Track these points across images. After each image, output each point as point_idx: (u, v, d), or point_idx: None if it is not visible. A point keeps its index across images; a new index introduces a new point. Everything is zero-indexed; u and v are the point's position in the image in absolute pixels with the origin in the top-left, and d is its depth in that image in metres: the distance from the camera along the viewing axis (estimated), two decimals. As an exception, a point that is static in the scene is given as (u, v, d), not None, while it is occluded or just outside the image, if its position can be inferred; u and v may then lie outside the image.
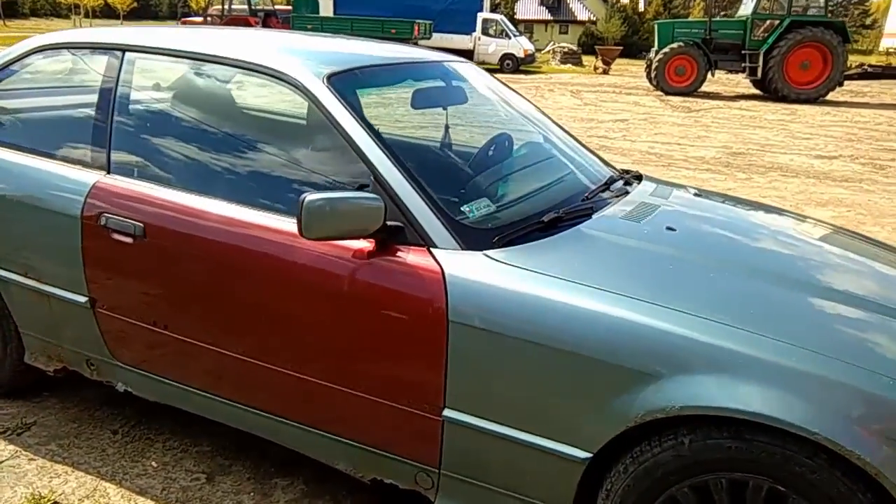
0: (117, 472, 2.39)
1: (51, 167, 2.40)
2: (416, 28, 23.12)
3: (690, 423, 1.60)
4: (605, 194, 2.34)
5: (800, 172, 8.16)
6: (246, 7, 24.33)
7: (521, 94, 2.98)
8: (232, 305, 2.09)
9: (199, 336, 2.17)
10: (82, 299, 2.35)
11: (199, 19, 26.16)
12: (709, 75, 17.86)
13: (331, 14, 26.69)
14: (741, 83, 21.06)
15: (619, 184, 2.48)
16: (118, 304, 2.31)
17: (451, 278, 1.79)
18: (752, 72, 17.25)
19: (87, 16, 61.25)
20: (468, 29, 26.48)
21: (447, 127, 2.74)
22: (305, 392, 2.05)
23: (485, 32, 26.18)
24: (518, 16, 53.63)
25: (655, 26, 18.60)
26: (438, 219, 1.88)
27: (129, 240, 2.20)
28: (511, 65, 25.66)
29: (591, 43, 48.47)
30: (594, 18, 55.30)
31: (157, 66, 2.41)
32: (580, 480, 1.73)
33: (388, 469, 2.03)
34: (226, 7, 24.45)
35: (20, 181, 2.42)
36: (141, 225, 2.18)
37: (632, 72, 27.92)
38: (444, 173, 2.21)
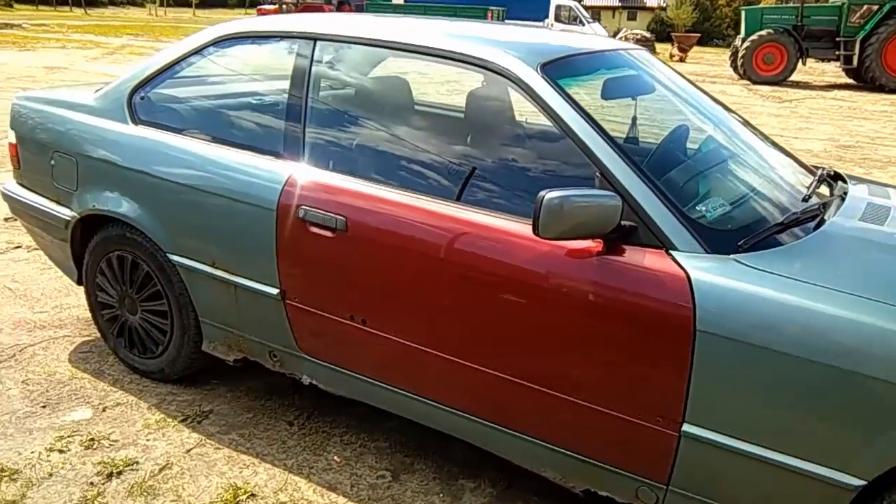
0: (303, 466, 2.37)
1: (242, 157, 2.38)
2: (490, 15, 22.91)
3: None
4: (823, 194, 2.19)
5: (922, 168, 7.73)
6: (320, -6, 24.56)
7: (698, 86, 2.84)
8: (440, 303, 2.03)
9: (402, 333, 2.12)
10: (273, 291, 2.34)
11: (274, 7, 26.50)
12: (799, 64, 17.14)
13: (401, 2, 26.71)
14: (827, 72, 20.19)
15: (828, 183, 2.33)
16: (312, 297, 2.28)
17: (698, 284, 1.69)
18: (847, 60, 16.47)
19: (161, 4, 62.91)
20: (540, 14, 26.15)
21: (634, 119, 2.63)
22: (518, 397, 1.97)
23: (557, 19, 25.78)
24: (586, 2, 52.64)
25: (742, 12, 17.95)
26: (678, 220, 1.77)
27: (328, 233, 2.17)
28: (584, 52, 25.16)
29: (660, 30, 47.33)
30: (664, 4, 53.86)
31: (352, 56, 2.36)
32: (841, 506, 1.61)
33: (604, 481, 1.94)
34: (301, -5, 24.73)
35: (211, 171, 2.41)
36: (343, 219, 2.14)
37: (708, 59, 27.12)
38: (662, 168, 2.09)
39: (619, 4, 54.58)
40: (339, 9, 25.00)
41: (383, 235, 2.09)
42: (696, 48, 31.84)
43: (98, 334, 3.13)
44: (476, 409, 2.08)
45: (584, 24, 25.60)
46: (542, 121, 2.01)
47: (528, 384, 1.94)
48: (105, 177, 2.68)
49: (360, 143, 2.29)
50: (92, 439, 2.46)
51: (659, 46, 30.69)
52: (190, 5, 66.44)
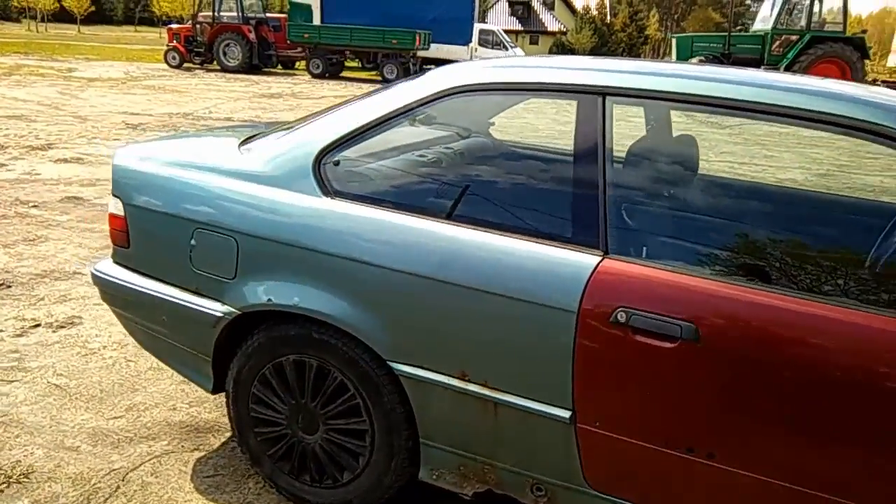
0: None
1: (511, 243, 1.87)
2: (418, 38, 22.62)
3: None
4: None
5: (912, 196, 7.99)
6: (237, 14, 23.39)
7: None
8: (847, 435, 1.61)
9: (776, 472, 1.67)
10: (561, 413, 1.84)
11: (185, 26, 25.07)
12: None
13: (317, 23, 25.91)
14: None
15: None
16: (624, 423, 1.80)
17: None
18: (772, 87, 17.31)
19: (42, 20, 58.82)
20: (460, 39, 26.12)
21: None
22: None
23: (482, 44, 25.89)
24: (488, 25, 53.57)
25: (673, 40, 18.59)
26: None
27: (666, 344, 1.70)
28: (508, 76, 25.42)
29: (561, 54, 48.83)
30: (564, 29, 55.70)
31: (659, 116, 1.91)
32: None
33: None
34: (216, 14, 23.47)
35: (467, 261, 1.89)
36: (692, 326, 1.68)
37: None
38: None
39: (522, 29, 55.87)
40: (258, 29, 23.93)
41: (764, 350, 1.64)
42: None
43: (212, 448, 2.52)
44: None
45: (507, 49, 25.83)
46: None
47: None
48: (288, 264, 2.09)
49: (683, 226, 1.85)
50: None
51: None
52: (73, 21, 62.61)
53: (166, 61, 23.56)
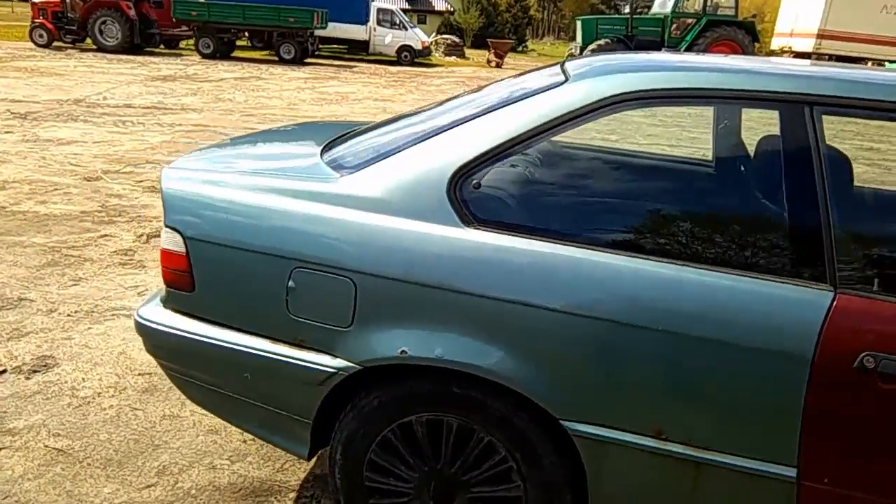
0: None
1: (709, 278, 1.60)
2: (316, 17, 21.69)
3: None
4: None
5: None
6: (113, -11, 21.45)
7: None
8: None
9: None
10: (783, 471, 1.60)
11: (52, 0, 22.76)
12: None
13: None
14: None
15: None
16: (867, 480, 1.58)
17: None
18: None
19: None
20: (358, 17, 25.38)
21: None
22: None
23: (379, 23, 25.23)
24: (385, 5, 52.56)
25: (578, 22, 18.81)
26: None
27: (925, 391, 1.50)
28: (408, 57, 25.00)
29: (451, 33, 48.75)
30: (451, 9, 55.61)
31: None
32: None
33: None
34: (89, -12, 21.43)
35: (652, 297, 1.60)
36: (955, 370, 1.48)
37: (521, 65, 28.20)
38: None
39: (410, 8, 55.15)
40: (138, 6, 22.08)
41: None
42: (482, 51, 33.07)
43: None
44: None
45: (407, 29, 25.32)
46: None
47: None
48: (423, 307, 1.73)
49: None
50: None
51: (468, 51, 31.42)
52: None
53: (32, 40, 21.32)
